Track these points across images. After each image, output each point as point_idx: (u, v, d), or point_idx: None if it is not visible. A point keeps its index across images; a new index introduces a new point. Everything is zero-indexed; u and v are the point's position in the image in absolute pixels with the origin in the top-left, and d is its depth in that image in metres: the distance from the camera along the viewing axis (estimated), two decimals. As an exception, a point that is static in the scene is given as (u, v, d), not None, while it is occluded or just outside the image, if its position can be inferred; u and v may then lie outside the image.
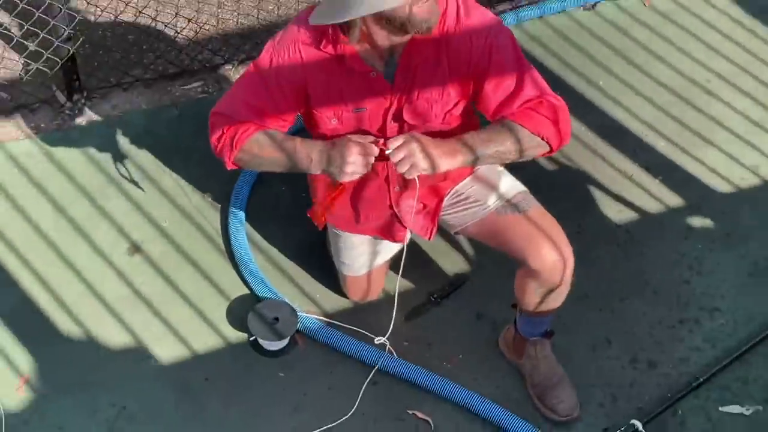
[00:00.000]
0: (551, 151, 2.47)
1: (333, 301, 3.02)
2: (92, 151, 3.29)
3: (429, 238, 2.77)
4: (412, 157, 2.31)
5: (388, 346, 2.83)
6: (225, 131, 2.45)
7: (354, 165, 2.33)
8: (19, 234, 3.09)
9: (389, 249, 2.89)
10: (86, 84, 3.43)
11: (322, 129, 2.53)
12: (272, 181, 3.22)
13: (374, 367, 2.85)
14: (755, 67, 3.69)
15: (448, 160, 2.37)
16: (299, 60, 2.41)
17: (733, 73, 3.67)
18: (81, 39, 3.39)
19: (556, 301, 2.67)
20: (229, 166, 2.51)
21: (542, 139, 2.42)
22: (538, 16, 3.79)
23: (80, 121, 3.38)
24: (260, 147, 2.44)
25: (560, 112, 2.44)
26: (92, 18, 3.62)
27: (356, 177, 2.39)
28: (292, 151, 2.41)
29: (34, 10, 3.22)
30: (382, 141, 2.37)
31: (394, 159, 2.32)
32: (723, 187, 3.36)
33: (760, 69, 3.69)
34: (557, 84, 3.44)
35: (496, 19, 2.49)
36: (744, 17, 3.85)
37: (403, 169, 2.33)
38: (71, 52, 3.31)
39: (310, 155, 2.39)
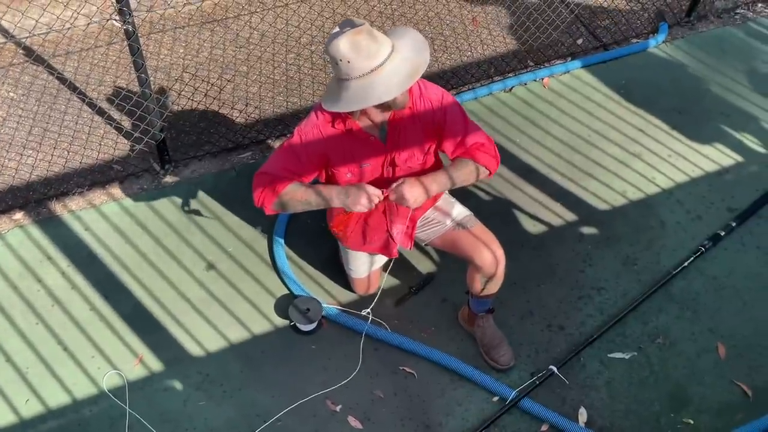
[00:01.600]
0: (491, 174, 2.55)
1: (345, 295, 2.99)
2: (179, 201, 3.27)
3: (410, 248, 2.76)
4: (418, 193, 2.39)
5: (370, 317, 2.80)
6: (266, 186, 2.44)
7: (361, 205, 2.37)
8: (131, 259, 3.07)
9: (382, 258, 2.87)
10: (173, 157, 3.41)
11: (341, 182, 2.53)
12: (300, 218, 3.20)
13: (375, 338, 2.84)
14: (620, 124, 3.69)
15: (437, 186, 2.44)
16: (321, 136, 2.41)
17: (604, 129, 3.66)
18: (166, 126, 3.38)
19: (495, 287, 2.67)
20: (268, 212, 2.49)
21: (486, 168, 2.50)
22: (474, 98, 3.78)
23: (170, 181, 3.36)
24: (294, 191, 2.43)
25: (493, 150, 2.53)
26: (176, 109, 3.61)
27: (363, 211, 2.40)
28: (319, 192, 2.41)
29: (136, 110, 3.21)
30: (385, 191, 2.40)
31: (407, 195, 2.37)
32: (602, 205, 3.34)
33: (624, 126, 3.68)
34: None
35: (447, 93, 2.52)
36: (611, 93, 3.85)
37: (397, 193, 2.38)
38: (162, 137, 3.29)
39: (331, 194, 2.40)
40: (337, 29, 2.27)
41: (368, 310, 2.81)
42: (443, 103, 2.47)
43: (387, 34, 2.33)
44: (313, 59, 3.90)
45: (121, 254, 3.07)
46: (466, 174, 2.49)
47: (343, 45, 2.20)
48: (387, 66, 2.23)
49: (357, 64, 2.21)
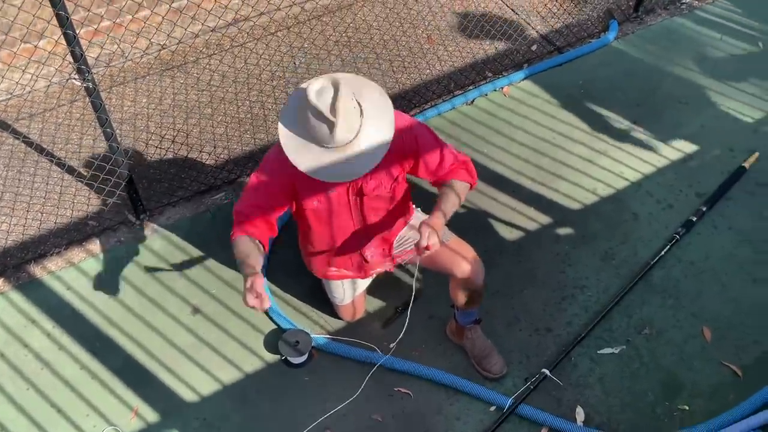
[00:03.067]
0: (472, 187, 2.58)
1: (333, 323, 2.99)
2: (158, 248, 3.26)
3: (391, 270, 2.77)
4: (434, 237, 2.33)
5: (392, 348, 2.82)
6: (236, 225, 2.46)
7: (247, 303, 2.26)
8: (115, 313, 3.04)
9: (364, 282, 2.88)
10: (147, 206, 3.40)
11: (308, 209, 2.52)
12: (280, 252, 3.20)
13: (367, 363, 2.83)
14: (583, 124, 3.74)
15: (446, 218, 2.43)
16: (286, 168, 2.37)
17: (568, 130, 3.71)
18: (137, 176, 3.37)
19: (478, 298, 2.68)
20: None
21: (469, 184, 2.54)
22: (437, 114, 3.81)
23: (146, 231, 3.35)
24: (237, 245, 2.41)
25: (470, 165, 2.56)
26: (146, 158, 3.61)
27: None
28: (242, 263, 2.36)
29: (105, 164, 3.20)
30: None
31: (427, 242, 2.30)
32: (574, 205, 3.38)
33: (586, 125, 3.73)
34: (456, 156, 3.46)
35: (414, 119, 2.53)
36: (570, 93, 3.90)
37: (432, 243, 2.31)
38: (135, 188, 3.28)
39: (244, 273, 2.32)
40: (318, 86, 2.22)
41: (393, 344, 2.81)
42: (413, 131, 2.46)
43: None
44: (276, 94, 3.92)
45: (105, 309, 3.05)
46: (461, 194, 2.50)
47: (328, 110, 2.18)
48: (362, 137, 2.25)
49: (340, 136, 2.22)
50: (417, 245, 2.31)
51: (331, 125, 2.19)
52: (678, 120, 3.73)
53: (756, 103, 3.80)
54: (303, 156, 2.27)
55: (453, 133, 3.70)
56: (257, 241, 2.44)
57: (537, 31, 4.29)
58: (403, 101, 3.85)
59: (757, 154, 3.52)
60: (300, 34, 4.28)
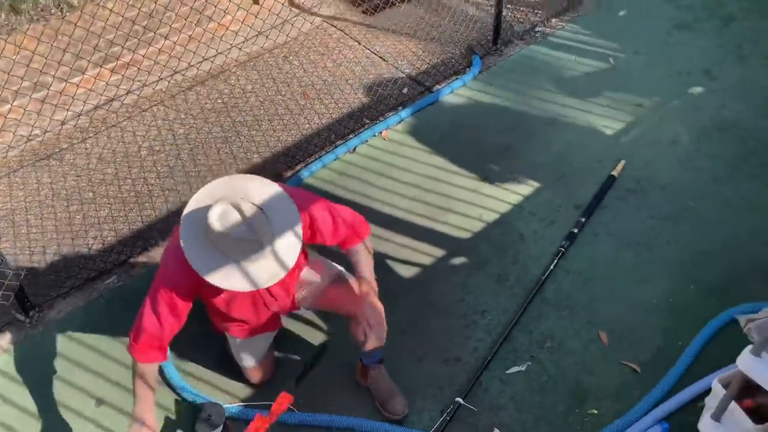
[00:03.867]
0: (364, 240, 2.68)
1: (244, 390, 2.95)
2: (52, 344, 3.13)
3: (297, 309, 2.79)
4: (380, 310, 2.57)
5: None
6: (134, 348, 2.47)
7: None
8: (15, 419, 2.88)
9: (268, 340, 2.86)
10: (35, 302, 3.26)
11: (217, 302, 2.53)
12: (186, 327, 3.13)
13: (283, 423, 2.80)
14: (461, 156, 3.87)
15: (373, 284, 2.62)
16: (187, 273, 2.33)
17: (447, 164, 3.83)
18: (25, 274, 3.25)
19: (381, 336, 2.66)
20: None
21: (364, 241, 2.62)
22: (322, 166, 3.87)
23: (39, 328, 3.21)
24: (135, 372, 2.45)
25: (361, 228, 2.65)
26: (28, 256, 3.48)
27: None
28: (135, 398, 2.43)
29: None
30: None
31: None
32: (465, 234, 3.48)
33: (464, 156, 3.87)
34: (346, 203, 3.49)
35: (311, 196, 2.57)
36: (445, 129, 4.05)
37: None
38: (20, 286, 3.15)
39: (132, 412, 2.42)
40: (218, 211, 2.24)
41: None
42: (310, 211, 2.50)
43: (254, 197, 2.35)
44: (158, 168, 3.89)
45: (3, 416, 2.89)
46: (369, 253, 2.64)
47: (245, 232, 2.22)
48: (276, 237, 2.29)
49: (263, 246, 2.25)
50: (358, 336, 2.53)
51: (256, 244, 2.24)
52: (547, 140, 3.94)
53: (614, 115, 4.07)
54: (229, 278, 2.27)
55: (340, 182, 3.76)
56: (156, 370, 2.48)
57: (407, 75, 4.45)
58: (286, 158, 3.89)
59: (623, 161, 3.75)
60: (175, 107, 4.27)
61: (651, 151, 3.84)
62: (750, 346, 2.25)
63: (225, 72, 4.50)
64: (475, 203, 3.62)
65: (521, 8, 4.97)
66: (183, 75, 4.42)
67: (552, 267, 3.25)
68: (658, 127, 3.98)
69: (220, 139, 4.04)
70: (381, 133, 4.04)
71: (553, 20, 4.87)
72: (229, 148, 3.97)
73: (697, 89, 4.21)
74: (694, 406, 2.72)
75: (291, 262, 2.32)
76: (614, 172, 3.69)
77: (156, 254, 3.46)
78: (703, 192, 3.60)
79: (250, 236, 2.23)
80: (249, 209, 2.26)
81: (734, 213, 3.49)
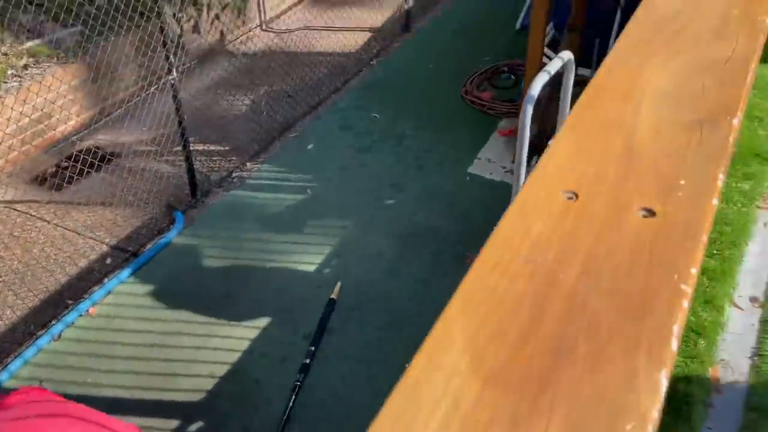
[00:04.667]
0: None
1: None
2: None
3: None
4: None
5: None
6: None
7: None
8: None
9: None
10: None
11: None
12: None
13: None
14: (183, 315, 3.72)
15: None
16: None
17: (170, 326, 3.65)
18: None
19: None
20: None
21: None
22: (24, 363, 3.45)
23: None
24: None
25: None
26: None
27: None
28: None
29: None
30: None
31: None
32: (199, 396, 3.29)
33: (185, 316, 3.72)
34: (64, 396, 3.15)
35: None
36: (159, 293, 3.88)
37: None
38: None
39: None
40: None
41: None
42: None
43: None
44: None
45: None
46: None
47: None
48: None
49: None
50: None
51: None
52: (264, 278, 3.95)
53: (322, 240, 4.22)
54: None
55: (49, 377, 3.39)
56: None
57: (107, 244, 4.23)
58: (-22, 365, 3.42)
59: (339, 283, 3.88)
60: None
61: (362, 266, 4.02)
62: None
63: None
64: (204, 360, 3.46)
65: (213, 158, 5.06)
66: None
67: (292, 404, 3.18)
68: (364, 242, 4.21)
69: None
70: (88, 311, 3.74)
71: (248, 164, 5.01)
72: None
73: (389, 201, 4.56)
74: None
75: None
76: (333, 295, 3.79)
77: None
78: (414, 294, 3.83)
79: None
80: None
81: (443, 307, 3.73)
